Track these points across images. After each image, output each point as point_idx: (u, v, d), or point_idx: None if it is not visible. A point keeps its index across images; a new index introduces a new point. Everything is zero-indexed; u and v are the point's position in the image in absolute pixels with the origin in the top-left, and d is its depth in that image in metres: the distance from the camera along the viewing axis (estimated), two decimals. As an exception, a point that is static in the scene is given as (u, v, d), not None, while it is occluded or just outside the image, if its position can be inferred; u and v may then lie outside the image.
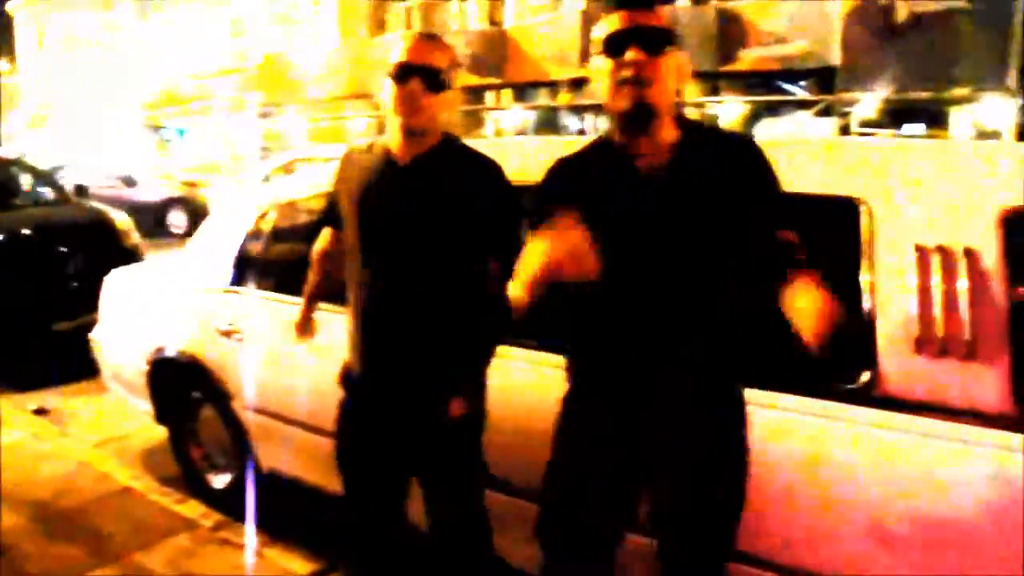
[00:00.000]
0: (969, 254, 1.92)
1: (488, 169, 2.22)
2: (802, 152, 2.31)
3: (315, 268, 2.57)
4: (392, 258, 2.19)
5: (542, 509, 2.02)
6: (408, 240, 2.17)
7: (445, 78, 2.15)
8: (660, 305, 1.79)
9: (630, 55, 1.72)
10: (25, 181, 8.34)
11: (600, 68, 1.78)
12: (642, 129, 1.79)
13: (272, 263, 3.48)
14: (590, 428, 1.92)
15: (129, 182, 8.54)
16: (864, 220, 2.06)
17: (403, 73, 2.12)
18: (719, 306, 1.81)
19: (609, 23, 1.77)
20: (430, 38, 2.21)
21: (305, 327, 2.61)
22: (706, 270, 1.79)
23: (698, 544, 1.91)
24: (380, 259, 2.20)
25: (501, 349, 2.36)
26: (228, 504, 3.69)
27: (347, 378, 2.37)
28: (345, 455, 2.40)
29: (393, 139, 2.23)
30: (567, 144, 2.18)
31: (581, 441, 1.95)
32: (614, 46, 1.74)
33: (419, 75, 2.11)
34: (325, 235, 2.49)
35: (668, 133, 1.82)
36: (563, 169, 1.94)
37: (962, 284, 1.91)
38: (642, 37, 1.72)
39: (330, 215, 2.43)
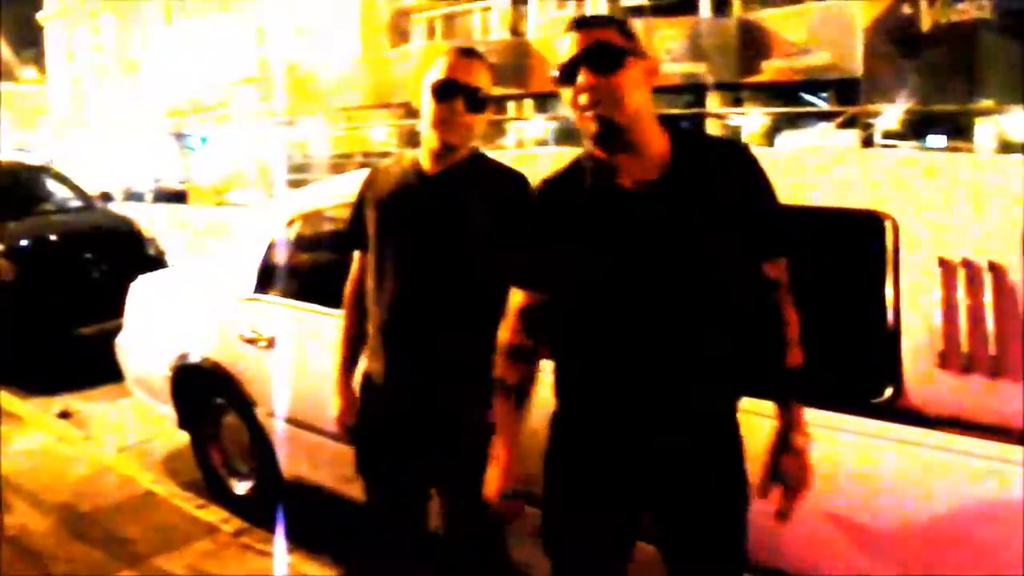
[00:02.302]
0: (994, 268, 1.91)
1: (516, 183, 2.22)
2: (825, 164, 2.30)
3: (351, 303, 2.43)
4: (418, 268, 2.19)
5: (544, 530, 1.97)
6: (434, 250, 2.17)
7: (485, 97, 2.16)
8: (651, 325, 1.72)
9: (582, 79, 1.69)
10: (52, 187, 8.44)
11: (564, 96, 1.76)
12: (616, 148, 1.73)
13: (296, 271, 3.51)
14: (583, 455, 1.86)
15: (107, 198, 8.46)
16: (888, 234, 2.06)
17: (445, 90, 2.12)
18: (711, 326, 1.74)
19: (563, 49, 1.74)
20: (471, 54, 2.20)
21: (347, 385, 2.45)
22: (698, 290, 1.72)
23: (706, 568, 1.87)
24: (406, 268, 2.21)
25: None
26: (249, 510, 3.72)
27: (368, 386, 2.36)
28: (365, 462, 2.40)
29: (425, 152, 2.23)
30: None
31: (575, 469, 1.88)
32: (567, 73, 1.72)
33: (461, 93, 2.12)
34: (356, 260, 2.42)
35: (655, 146, 1.74)
36: (549, 190, 1.87)
37: (987, 298, 1.90)
38: (592, 59, 1.68)
39: (356, 235, 2.36)
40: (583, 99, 1.69)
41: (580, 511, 1.88)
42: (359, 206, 2.36)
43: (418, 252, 2.19)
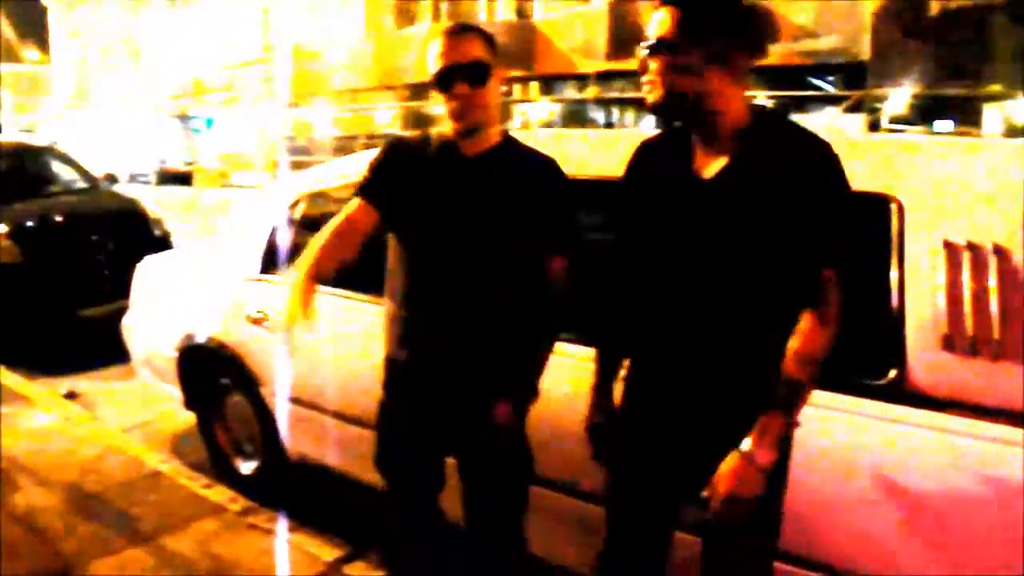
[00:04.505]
0: (999, 251, 1.91)
1: (550, 168, 2.21)
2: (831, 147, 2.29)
3: (334, 241, 2.16)
4: (456, 251, 2.15)
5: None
6: (474, 234, 2.13)
7: (486, 65, 2.11)
8: (684, 306, 1.82)
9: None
10: (57, 168, 8.43)
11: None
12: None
13: (301, 251, 3.50)
14: (629, 434, 1.99)
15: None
16: (893, 216, 2.05)
17: (446, 78, 2.08)
18: (752, 316, 1.78)
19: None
20: (461, 31, 2.15)
21: (307, 307, 2.13)
22: (736, 284, 1.75)
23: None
24: (443, 251, 2.16)
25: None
26: (255, 489, 3.74)
27: (392, 370, 2.32)
28: (387, 446, 2.36)
29: (455, 135, 2.19)
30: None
31: (624, 443, 2.00)
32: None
33: (459, 74, 2.07)
34: (355, 205, 2.18)
35: (728, 125, 1.77)
36: (642, 157, 1.99)
37: (991, 281, 1.90)
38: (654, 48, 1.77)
39: (376, 187, 2.21)
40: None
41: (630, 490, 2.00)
42: (384, 168, 2.24)
43: (459, 237, 2.14)
